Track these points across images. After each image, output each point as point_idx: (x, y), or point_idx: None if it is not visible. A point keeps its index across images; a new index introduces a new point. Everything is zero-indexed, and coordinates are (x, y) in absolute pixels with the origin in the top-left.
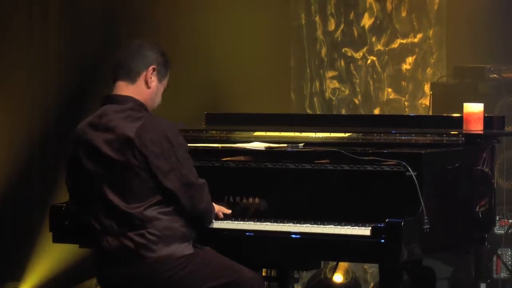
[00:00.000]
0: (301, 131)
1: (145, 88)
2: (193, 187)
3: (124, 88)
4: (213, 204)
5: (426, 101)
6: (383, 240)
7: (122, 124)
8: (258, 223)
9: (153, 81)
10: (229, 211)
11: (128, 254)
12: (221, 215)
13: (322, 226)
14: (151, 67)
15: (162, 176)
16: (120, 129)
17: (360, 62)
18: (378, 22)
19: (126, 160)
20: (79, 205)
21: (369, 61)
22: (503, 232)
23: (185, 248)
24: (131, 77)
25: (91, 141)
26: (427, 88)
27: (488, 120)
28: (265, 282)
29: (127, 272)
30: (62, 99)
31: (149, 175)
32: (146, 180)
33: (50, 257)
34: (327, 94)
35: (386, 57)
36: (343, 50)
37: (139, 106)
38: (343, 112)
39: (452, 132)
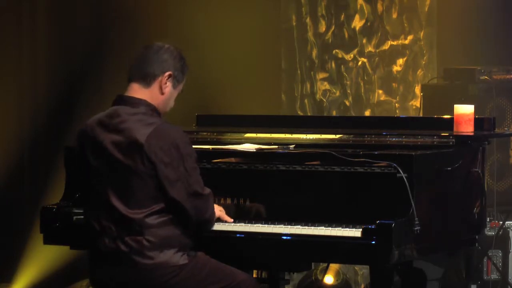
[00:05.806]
0: (291, 133)
1: (158, 93)
2: (198, 198)
3: (138, 91)
4: (218, 206)
5: (416, 103)
6: (374, 242)
7: (134, 128)
8: (249, 224)
9: (167, 87)
10: (231, 220)
11: (121, 257)
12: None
13: (313, 227)
14: (167, 73)
15: (169, 185)
16: (131, 132)
17: (351, 64)
18: (368, 23)
19: (133, 164)
20: (84, 203)
21: (359, 63)
22: (493, 233)
23: (180, 258)
24: (146, 81)
25: (99, 140)
26: (417, 89)
27: (478, 122)
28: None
29: (119, 274)
30: (51, 102)
31: (155, 183)
32: (151, 187)
33: (41, 258)
34: (318, 95)
35: (376, 58)
36: (334, 51)
37: (151, 110)
38: (334, 113)
39: (442, 134)
